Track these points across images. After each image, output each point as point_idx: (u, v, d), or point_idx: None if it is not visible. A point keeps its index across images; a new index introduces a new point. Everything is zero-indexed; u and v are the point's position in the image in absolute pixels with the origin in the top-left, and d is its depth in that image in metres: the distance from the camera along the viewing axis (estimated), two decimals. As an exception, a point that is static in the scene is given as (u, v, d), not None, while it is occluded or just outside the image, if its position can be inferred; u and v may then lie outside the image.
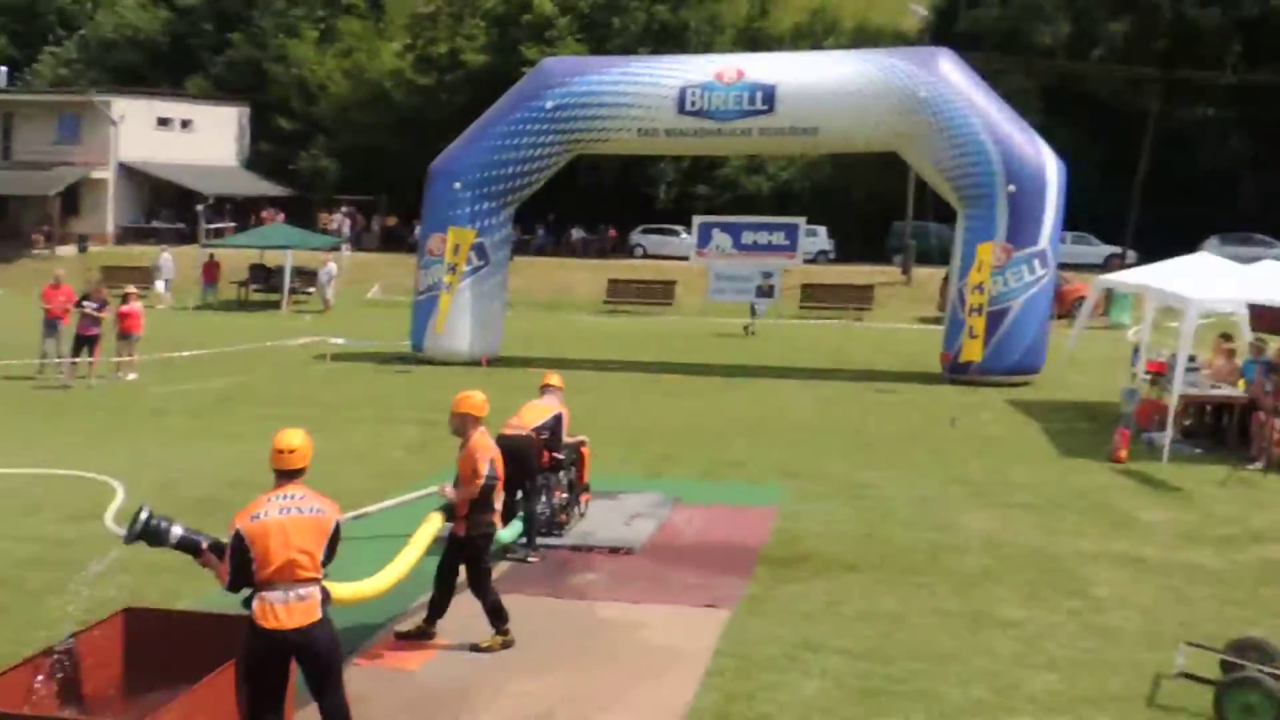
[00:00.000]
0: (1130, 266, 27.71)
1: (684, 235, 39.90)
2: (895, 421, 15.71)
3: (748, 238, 22.18)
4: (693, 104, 19.26)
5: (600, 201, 45.49)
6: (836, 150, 19.86)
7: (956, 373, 18.71)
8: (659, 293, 33.25)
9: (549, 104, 19.77)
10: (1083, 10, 42.87)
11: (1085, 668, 7.25)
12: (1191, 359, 15.32)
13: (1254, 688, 6.45)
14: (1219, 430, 14.68)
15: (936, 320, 27.83)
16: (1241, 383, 14.98)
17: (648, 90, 19.50)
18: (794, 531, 10.18)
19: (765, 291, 22.85)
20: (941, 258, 28.79)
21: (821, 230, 42.06)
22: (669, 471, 12.60)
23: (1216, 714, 6.50)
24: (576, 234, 44.64)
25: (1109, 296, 29.42)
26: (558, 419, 9.65)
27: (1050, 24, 42.81)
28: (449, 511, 7.38)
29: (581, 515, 10.48)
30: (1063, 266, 28.10)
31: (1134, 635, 7.80)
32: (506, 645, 7.47)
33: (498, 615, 7.48)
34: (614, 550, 9.63)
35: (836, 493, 11.61)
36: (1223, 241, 40.11)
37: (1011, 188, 18.33)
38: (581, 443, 10.45)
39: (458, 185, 20.27)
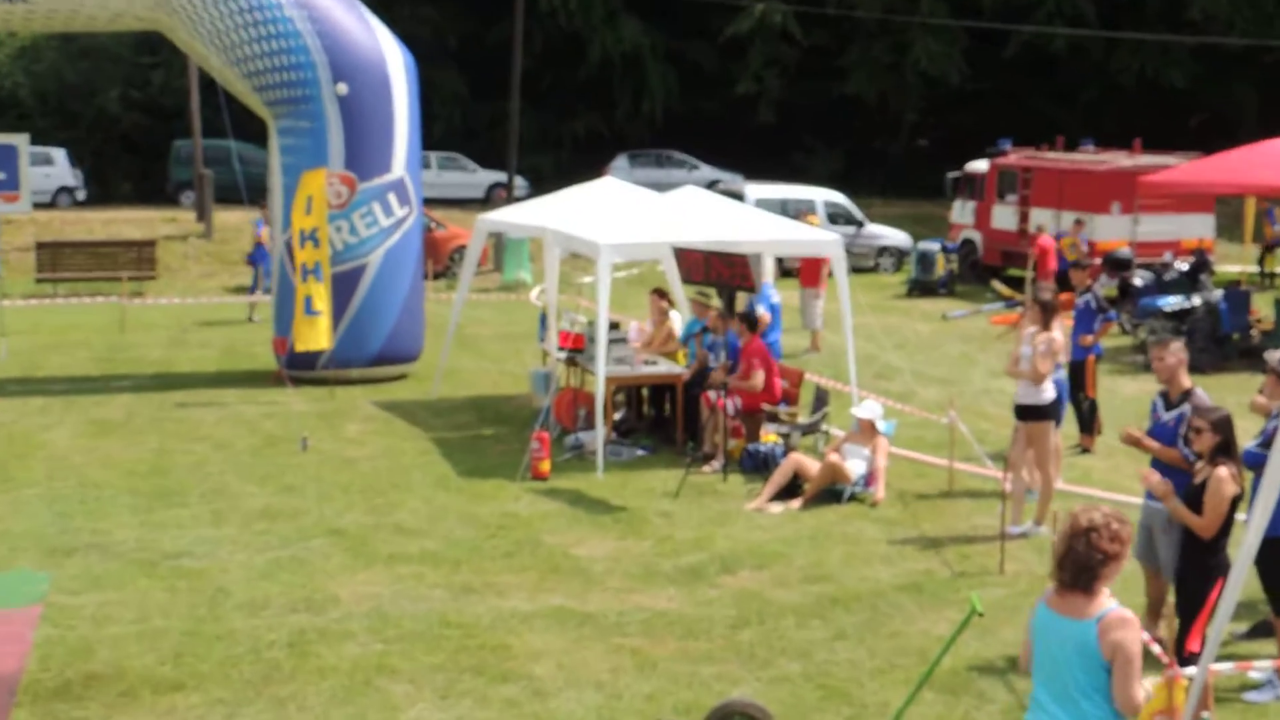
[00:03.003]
0: (521, 200, 29.88)
1: None
2: (216, 449, 15.58)
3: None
4: None
5: None
6: (66, 29, 18.79)
7: (299, 368, 18.90)
8: None
9: None
10: None
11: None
12: (615, 325, 16.92)
13: (748, 768, 7.29)
14: (662, 420, 16.43)
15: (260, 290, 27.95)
16: (682, 355, 16.89)
17: None
18: (73, 641, 9.75)
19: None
20: (254, 194, 28.89)
21: (60, 155, 40.39)
22: None
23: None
24: None
25: (499, 244, 31.62)
26: None
27: None
28: None
29: None
30: (430, 203, 29.68)
31: (591, 723, 8.47)
32: None
33: None
34: None
35: (137, 570, 11.29)
36: (633, 162, 45.16)
37: (342, 88, 18.75)
38: None
39: None
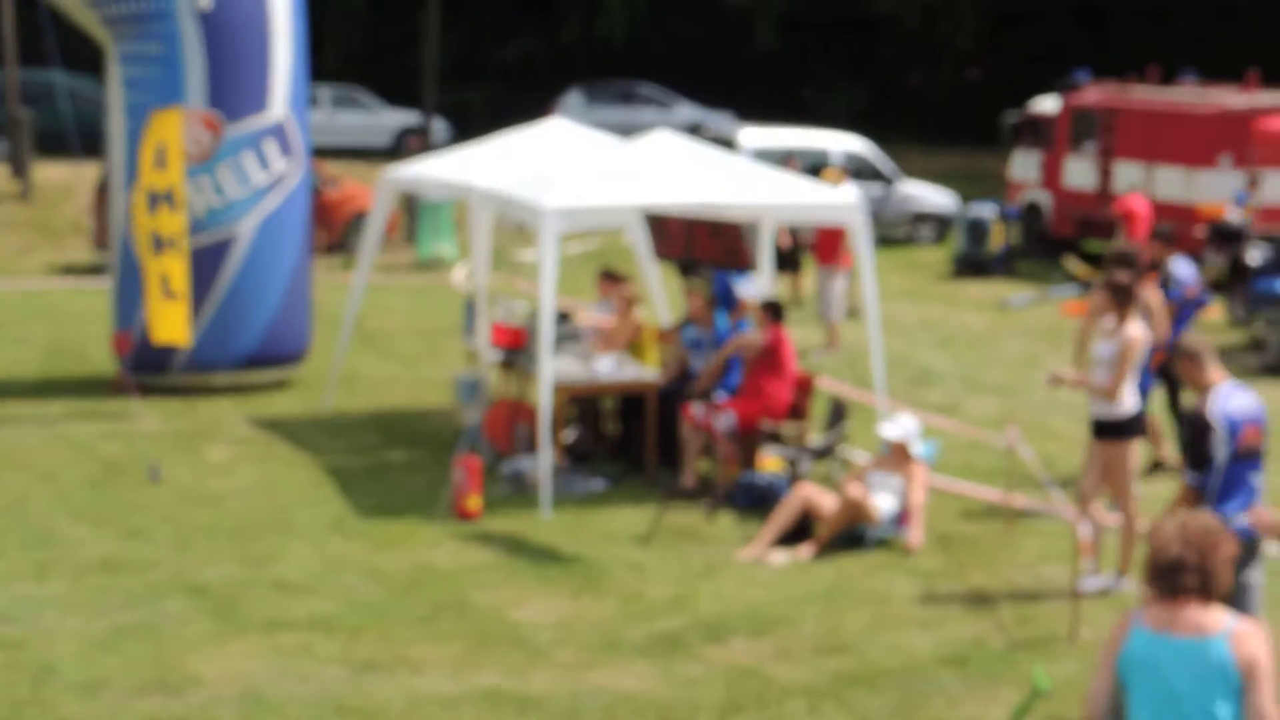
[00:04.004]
0: (442, 148, 29.91)
1: None
2: (39, 481, 15.57)
3: None
4: None
5: None
6: None
7: (147, 372, 18.87)
8: None
9: None
10: None
11: None
12: (565, 316, 16.92)
13: None
14: (629, 442, 16.50)
15: (96, 270, 27.91)
16: (650, 355, 16.91)
17: None
18: None
19: None
20: (88, 142, 28.83)
21: None
22: None
23: None
24: None
25: (412, 209, 31.62)
26: None
27: None
28: None
29: None
30: (321, 153, 29.65)
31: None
32: None
33: None
34: None
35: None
36: (590, 99, 45.12)
37: (204, 1, 18.85)
38: None
39: None
